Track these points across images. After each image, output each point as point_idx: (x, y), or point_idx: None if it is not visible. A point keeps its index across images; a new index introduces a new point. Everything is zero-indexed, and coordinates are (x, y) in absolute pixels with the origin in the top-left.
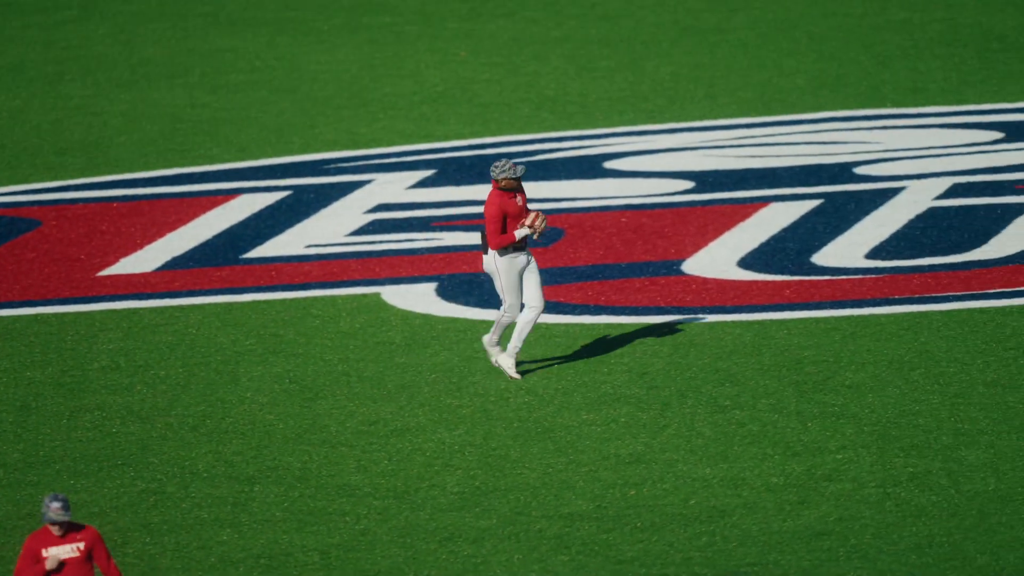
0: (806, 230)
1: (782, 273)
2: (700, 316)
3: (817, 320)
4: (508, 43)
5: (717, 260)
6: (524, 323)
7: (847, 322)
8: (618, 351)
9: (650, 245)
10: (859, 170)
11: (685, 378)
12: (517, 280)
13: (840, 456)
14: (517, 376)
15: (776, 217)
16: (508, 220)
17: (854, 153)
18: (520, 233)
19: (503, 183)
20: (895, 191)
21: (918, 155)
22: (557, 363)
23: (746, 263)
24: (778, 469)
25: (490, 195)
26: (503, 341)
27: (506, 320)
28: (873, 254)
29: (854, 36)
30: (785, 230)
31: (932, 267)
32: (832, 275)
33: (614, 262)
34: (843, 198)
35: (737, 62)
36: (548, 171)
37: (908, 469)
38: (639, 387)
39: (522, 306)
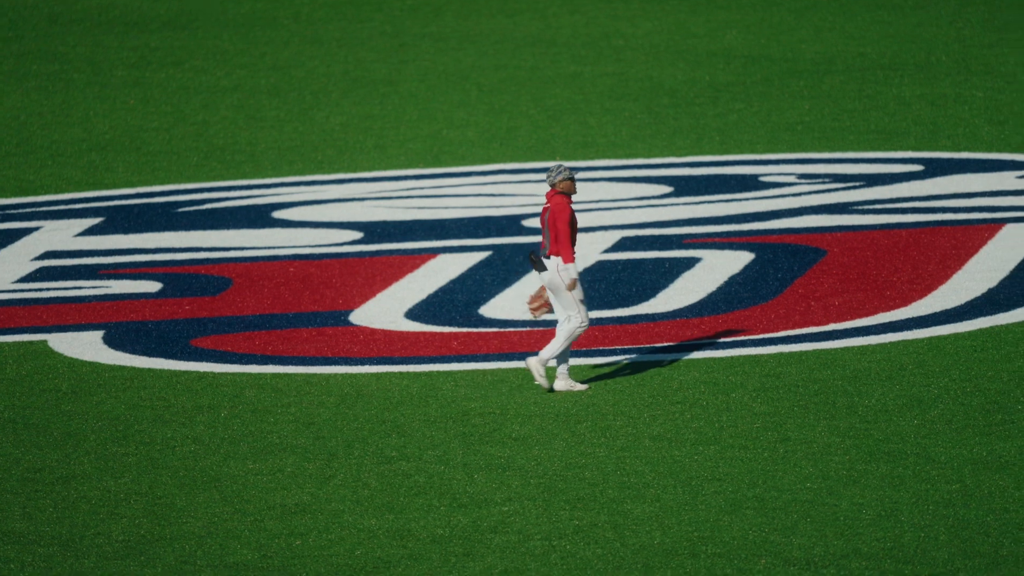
0: (474, 282)
1: (450, 324)
2: (368, 367)
3: (484, 372)
4: (177, 92)
5: (385, 311)
6: (568, 333)
7: (514, 374)
8: (285, 401)
9: (318, 295)
10: (528, 223)
11: (352, 428)
12: (583, 288)
13: (506, 508)
14: (584, 386)
15: (445, 268)
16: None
17: (523, 205)
18: (538, 310)
19: (562, 187)
20: None
21: (587, 208)
22: (224, 412)
23: (414, 314)
24: (444, 520)
25: (556, 200)
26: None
27: (580, 332)
28: None
29: (525, 89)
30: (453, 281)
31: (600, 320)
32: (500, 327)
33: (282, 312)
34: (512, 250)
35: (407, 113)
36: (216, 220)
37: (574, 522)
38: (306, 437)
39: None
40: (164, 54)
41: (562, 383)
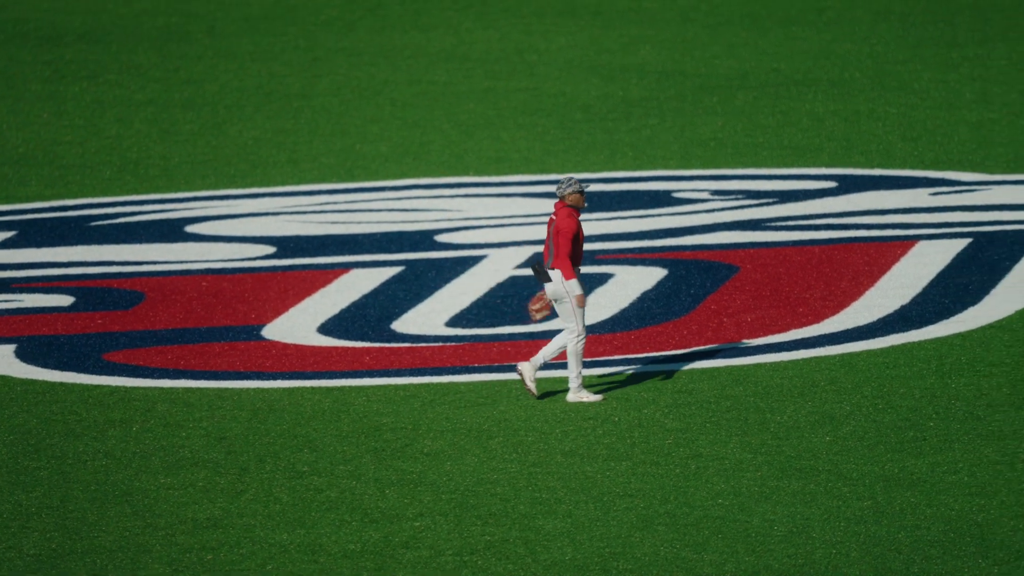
0: (387, 297)
1: (362, 339)
2: (280, 381)
3: (396, 387)
4: (91, 105)
5: (298, 325)
6: (574, 350)
7: (426, 389)
8: (197, 415)
9: (231, 310)
10: (440, 238)
11: (264, 443)
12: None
13: (418, 523)
14: (598, 397)
15: (357, 283)
16: (578, 241)
17: (436, 221)
18: (540, 314)
19: (571, 199)
20: (476, 259)
21: (500, 223)
22: (136, 426)
23: (326, 329)
24: (355, 536)
25: (563, 212)
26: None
27: (580, 345)
28: (453, 322)
29: (438, 104)
30: (366, 296)
31: (512, 336)
32: (412, 342)
33: (194, 326)
34: (424, 265)
35: (320, 128)
36: (129, 234)
37: (485, 537)
38: (218, 451)
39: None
40: (78, 68)
41: (573, 395)
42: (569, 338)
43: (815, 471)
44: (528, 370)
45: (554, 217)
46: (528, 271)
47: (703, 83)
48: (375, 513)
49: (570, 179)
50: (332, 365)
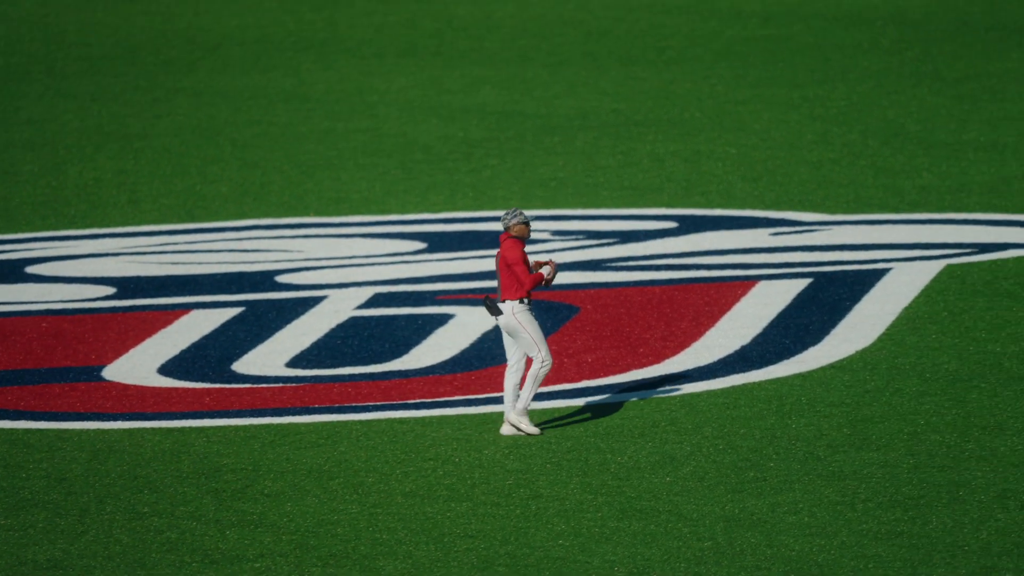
0: (227, 338)
1: (203, 380)
2: (120, 422)
3: (237, 428)
4: None
5: (138, 366)
6: (514, 383)
7: (266, 430)
8: (37, 456)
9: (71, 351)
10: (281, 278)
11: (104, 484)
12: (541, 328)
13: (258, 564)
14: (538, 430)
15: (198, 324)
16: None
17: (276, 261)
18: (546, 271)
19: (516, 231)
20: (317, 300)
21: (340, 264)
22: None
23: (167, 370)
24: None
25: (507, 243)
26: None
27: (544, 371)
28: (294, 362)
29: (278, 144)
30: (206, 337)
31: (352, 376)
32: (253, 383)
33: (34, 367)
34: (265, 306)
35: (161, 168)
36: None
37: None
38: (58, 492)
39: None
40: None
41: (515, 417)
42: (535, 367)
43: (655, 512)
44: (516, 420)
45: (500, 251)
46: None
47: (544, 123)
48: (215, 554)
49: (515, 211)
50: (172, 406)
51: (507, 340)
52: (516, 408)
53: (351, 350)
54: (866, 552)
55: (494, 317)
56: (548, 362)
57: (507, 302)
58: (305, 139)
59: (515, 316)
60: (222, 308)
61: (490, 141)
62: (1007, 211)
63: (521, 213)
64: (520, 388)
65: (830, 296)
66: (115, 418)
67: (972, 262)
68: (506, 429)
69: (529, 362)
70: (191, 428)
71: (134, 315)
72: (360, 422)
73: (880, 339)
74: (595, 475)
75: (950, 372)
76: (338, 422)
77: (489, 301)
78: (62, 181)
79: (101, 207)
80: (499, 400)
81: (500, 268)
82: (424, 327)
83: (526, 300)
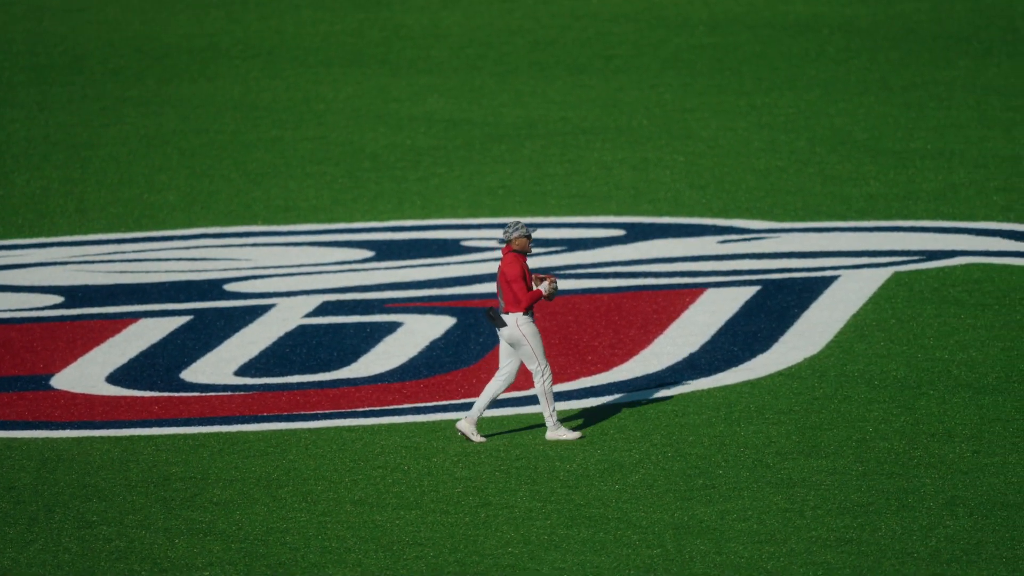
0: (175, 346)
1: (151, 389)
2: (68, 431)
3: (186, 436)
4: None
5: (86, 375)
6: (494, 390)
7: (215, 439)
8: None
9: (19, 359)
10: (229, 287)
11: (52, 493)
12: (542, 341)
13: (207, 573)
14: (577, 434)
15: (146, 332)
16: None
17: (224, 270)
18: (544, 287)
19: (517, 244)
20: (265, 308)
21: (288, 272)
22: None
23: (115, 378)
24: None
25: (507, 257)
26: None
27: (548, 383)
28: (242, 371)
29: (226, 153)
30: (155, 346)
31: (301, 385)
32: (201, 391)
33: None
34: (213, 315)
35: (108, 177)
36: None
37: None
38: (6, 502)
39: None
40: None
41: (552, 433)
42: (540, 381)
43: (605, 519)
44: (466, 426)
45: (501, 265)
46: None
47: (491, 132)
48: (164, 563)
49: (517, 223)
50: (121, 415)
51: (505, 350)
52: (547, 423)
53: (299, 358)
54: (815, 559)
55: (497, 329)
56: (548, 373)
57: (511, 314)
58: (253, 147)
59: (519, 328)
60: (170, 317)
61: (438, 149)
62: (954, 218)
63: (524, 226)
64: (495, 397)
65: (778, 303)
66: (63, 427)
67: (920, 269)
68: (462, 425)
69: (528, 374)
70: (140, 436)
71: (82, 324)
72: (309, 430)
73: (828, 346)
74: (544, 483)
75: (898, 379)
76: (287, 430)
77: (492, 312)
78: (9, 190)
79: (49, 216)
80: (447, 408)
81: (500, 283)
82: (373, 335)
83: (530, 311)
